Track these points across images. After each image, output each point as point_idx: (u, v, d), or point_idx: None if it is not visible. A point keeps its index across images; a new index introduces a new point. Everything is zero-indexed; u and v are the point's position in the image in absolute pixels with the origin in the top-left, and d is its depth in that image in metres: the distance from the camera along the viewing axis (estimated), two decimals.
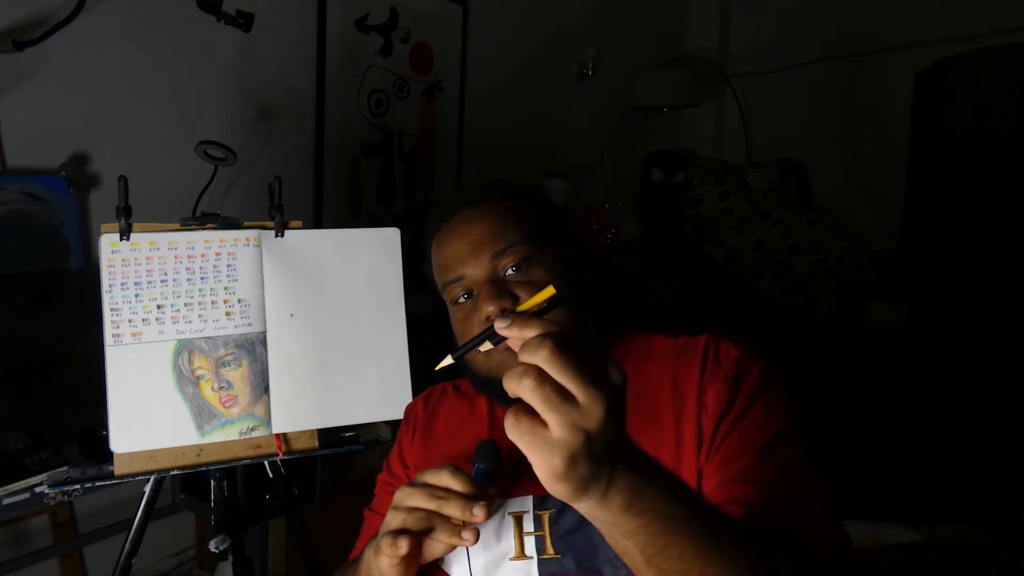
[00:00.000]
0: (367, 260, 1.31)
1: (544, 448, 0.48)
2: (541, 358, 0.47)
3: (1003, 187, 2.58)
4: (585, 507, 0.51)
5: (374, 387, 1.29)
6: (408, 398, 1.29)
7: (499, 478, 0.80)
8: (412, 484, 0.74)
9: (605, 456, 0.49)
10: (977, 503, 2.10)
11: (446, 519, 0.71)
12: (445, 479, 0.72)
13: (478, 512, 0.70)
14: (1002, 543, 1.65)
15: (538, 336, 0.48)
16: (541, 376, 0.47)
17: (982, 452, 2.27)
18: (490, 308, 0.82)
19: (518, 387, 0.48)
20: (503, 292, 0.83)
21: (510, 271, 0.85)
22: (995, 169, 2.60)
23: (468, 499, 0.71)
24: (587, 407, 0.47)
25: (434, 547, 0.73)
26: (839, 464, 0.77)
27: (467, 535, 0.70)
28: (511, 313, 0.54)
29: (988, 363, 2.38)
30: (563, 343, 0.48)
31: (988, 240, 2.59)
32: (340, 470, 1.73)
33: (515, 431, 0.48)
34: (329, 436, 1.29)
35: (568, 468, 0.48)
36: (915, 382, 2.45)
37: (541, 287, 0.84)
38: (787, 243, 3.21)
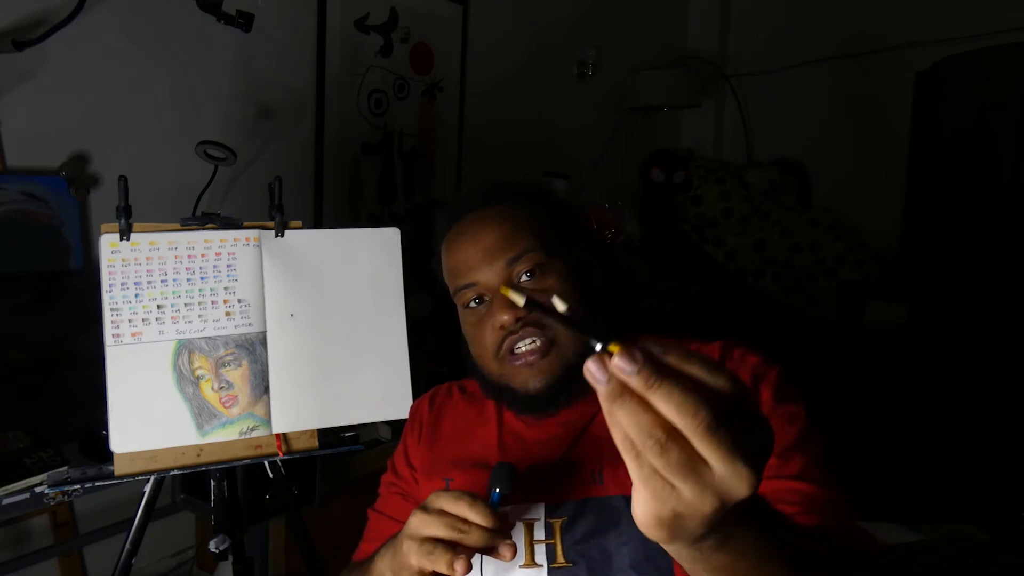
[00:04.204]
0: (367, 260, 1.31)
1: (661, 492, 0.41)
2: (688, 427, 0.39)
3: (1003, 187, 2.58)
4: (672, 549, 0.46)
5: (374, 387, 1.29)
6: (408, 398, 1.29)
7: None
8: (426, 510, 0.71)
9: (724, 523, 0.43)
10: (977, 503, 2.10)
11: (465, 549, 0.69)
12: (464, 509, 0.69)
13: (505, 552, 0.69)
14: (1002, 543, 1.65)
15: (690, 402, 0.39)
16: (667, 443, 0.40)
17: (982, 452, 2.27)
18: (504, 318, 0.83)
19: (633, 457, 0.41)
20: None
21: (524, 277, 0.85)
22: (995, 169, 2.60)
23: (490, 533, 0.69)
24: (730, 481, 0.40)
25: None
26: (838, 465, 0.77)
27: (459, 566, 0.68)
28: (640, 347, 0.41)
29: (988, 363, 2.38)
30: (720, 412, 0.40)
31: (988, 240, 2.59)
32: (340, 470, 1.73)
33: (636, 461, 0.41)
34: (329, 436, 1.29)
35: (674, 521, 0.42)
36: (915, 382, 2.45)
37: (554, 293, 0.85)
38: (787, 243, 3.21)
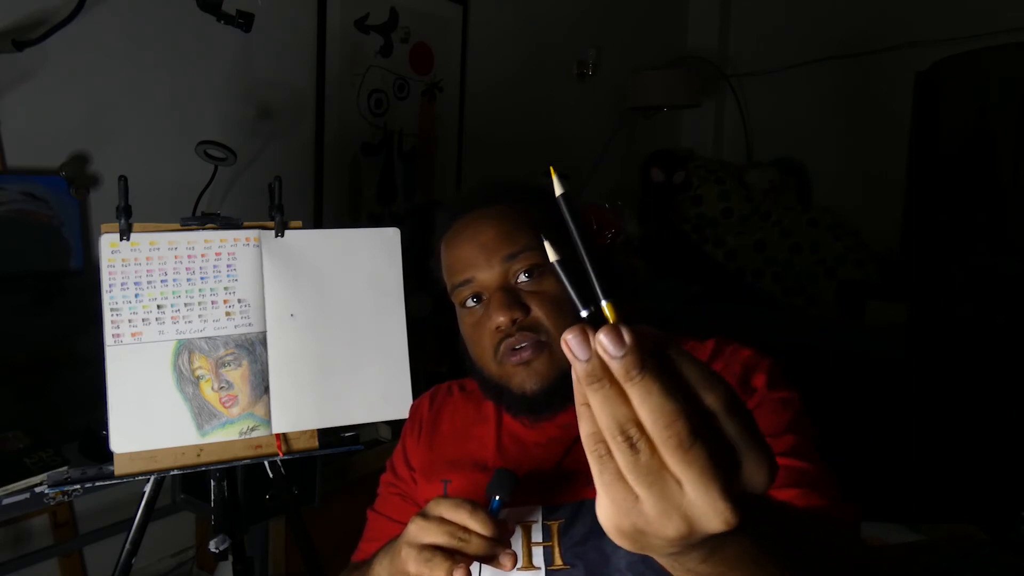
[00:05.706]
0: (367, 260, 1.31)
1: (623, 503, 0.37)
2: (659, 437, 0.35)
3: (1003, 187, 2.58)
4: (653, 557, 0.41)
5: (374, 387, 1.29)
6: (408, 398, 1.29)
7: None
8: (426, 516, 0.70)
9: (705, 543, 0.38)
10: (977, 503, 2.10)
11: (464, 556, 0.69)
12: (464, 517, 0.69)
13: (506, 562, 0.68)
14: (1002, 543, 1.65)
15: (669, 408, 0.35)
16: (639, 442, 0.35)
17: (982, 452, 2.27)
18: (501, 319, 0.82)
19: (596, 457, 0.36)
20: (514, 302, 0.82)
21: (522, 277, 0.84)
22: (995, 169, 2.60)
23: (491, 541, 0.68)
24: (700, 509, 0.35)
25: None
26: (839, 464, 0.77)
27: (458, 574, 0.67)
28: (635, 329, 0.36)
29: (988, 363, 2.38)
30: (703, 429, 0.35)
31: (988, 240, 2.59)
32: (340, 470, 1.73)
33: (599, 463, 0.37)
34: (329, 436, 1.29)
35: (637, 535, 0.37)
36: (915, 382, 2.45)
37: (552, 296, 0.84)
38: (787, 243, 3.21)
